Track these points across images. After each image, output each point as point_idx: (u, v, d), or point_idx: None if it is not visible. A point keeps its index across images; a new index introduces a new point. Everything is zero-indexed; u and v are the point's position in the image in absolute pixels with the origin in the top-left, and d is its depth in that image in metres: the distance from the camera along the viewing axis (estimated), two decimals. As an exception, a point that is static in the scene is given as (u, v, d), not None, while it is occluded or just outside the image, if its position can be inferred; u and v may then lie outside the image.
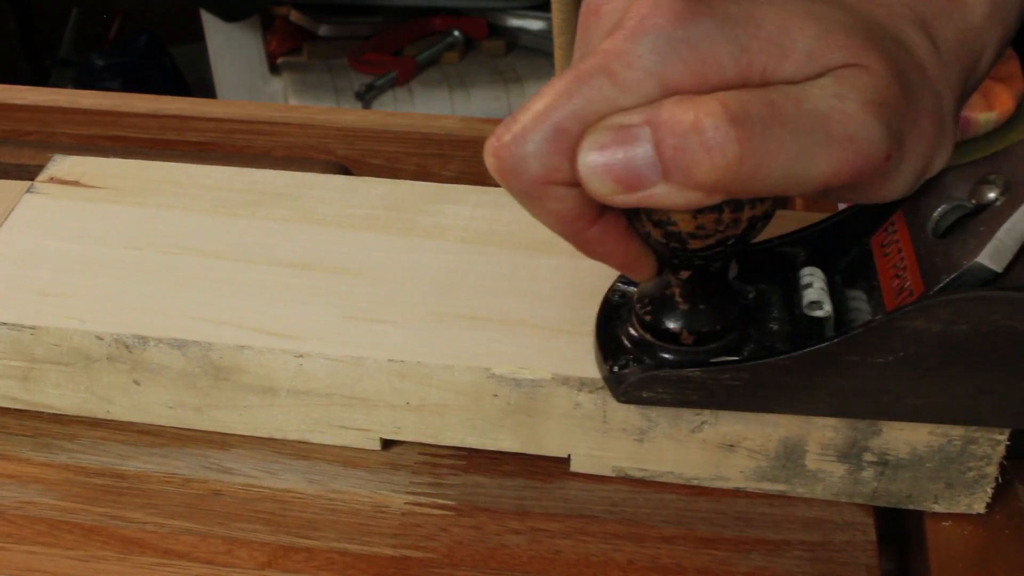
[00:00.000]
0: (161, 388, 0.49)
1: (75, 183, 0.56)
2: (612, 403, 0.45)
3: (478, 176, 0.66)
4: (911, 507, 0.47)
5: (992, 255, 0.40)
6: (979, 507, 0.46)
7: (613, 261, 0.42)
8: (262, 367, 0.47)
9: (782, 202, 0.41)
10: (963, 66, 0.41)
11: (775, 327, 0.45)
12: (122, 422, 0.51)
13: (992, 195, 0.41)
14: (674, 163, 0.35)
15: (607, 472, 0.48)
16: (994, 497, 0.46)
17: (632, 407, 0.45)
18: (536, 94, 0.37)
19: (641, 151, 0.36)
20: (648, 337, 0.45)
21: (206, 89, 1.86)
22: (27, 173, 0.59)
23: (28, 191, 0.55)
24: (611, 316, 0.47)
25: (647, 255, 0.42)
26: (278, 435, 0.49)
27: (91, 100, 0.71)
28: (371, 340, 0.47)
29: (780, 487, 0.47)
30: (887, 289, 0.44)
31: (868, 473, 0.46)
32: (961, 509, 0.46)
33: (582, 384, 0.45)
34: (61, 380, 0.49)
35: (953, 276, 0.41)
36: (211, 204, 0.55)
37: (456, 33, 1.82)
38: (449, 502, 0.47)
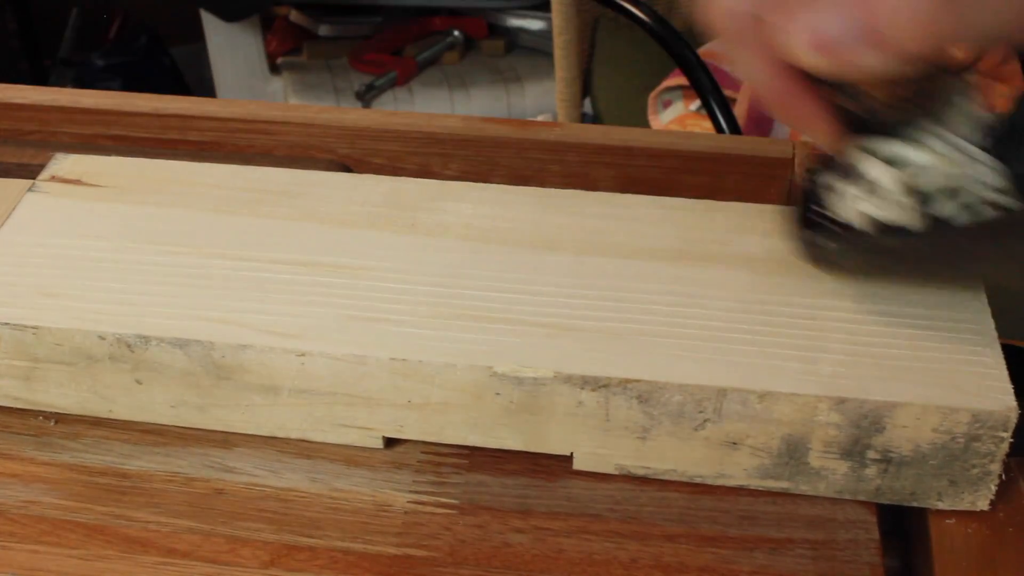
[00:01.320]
0: (163, 387, 0.48)
1: (77, 182, 0.56)
2: (615, 401, 0.45)
3: (480, 175, 0.66)
4: (915, 504, 0.47)
5: None
6: (983, 504, 0.46)
7: (802, 120, 0.42)
8: (264, 366, 0.47)
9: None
10: None
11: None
12: (124, 421, 0.50)
13: None
14: (869, 23, 0.37)
15: (610, 470, 0.48)
16: (998, 494, 0.46)
17: (635, 404, 0.45)
18: None
19: (842, 18, 0.37)
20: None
21: (206, 89, 1.86)
22: (29, 172, 0.59)
23: (30, 190, 0.55)
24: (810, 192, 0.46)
25: (835, 122, 0.43)
26: (280, 434, 0.49)
27: (92, 99, 0.71)
28: (373, 339, 0.47)
29: (783, 485, 0.47)
30: None
31: (871, 470, 0.46)
32: (965, 506, 0.46)
33: (584, 382, 0.45)
34: (63, 380, 0.49)
35: None
36: (213, 203, 0.55)
37: (456, 33, 1.83)
38: (452, 501, 0.47)
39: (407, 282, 0.50)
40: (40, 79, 1.95)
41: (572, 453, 0.48)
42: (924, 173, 0.42)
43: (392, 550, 0.46)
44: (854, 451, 0.45)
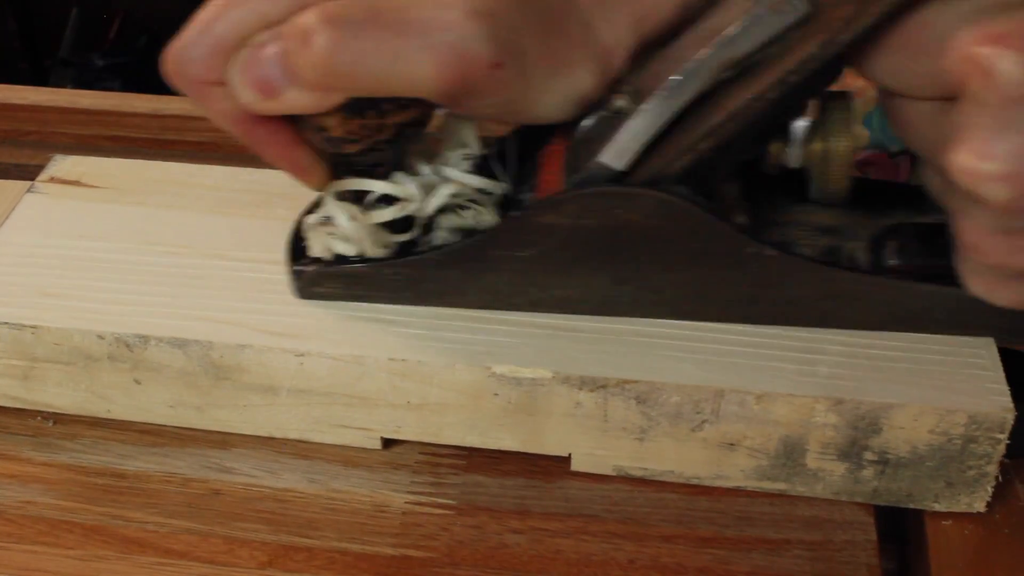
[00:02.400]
0: (162, 387, 0.49)
1: (75, 183, 0.56)
2: (613, 402, 0.45)
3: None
4: (911, 506, 0.47)
5: (613, 155, 0.44)
6: (979, 506, 0.46)
7: (285, 166, 0.46)
8: (263, 366, 0.47)
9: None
10: (632, 6, 0.44)
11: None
12: (123, 421, 0.51)
13: (621, 103, 0.44)
14: (285, 62, 0.40)
15: (608, 471, 0.48)
16: (994, 496, 0.46)
17: (633, 405, 0.45)
18: (207, 3, 0.43)
19: (269, 57, 0.41)
20: None
21: (206, 89, 1.86)
22: (27, 173, 0.59)
23: (29, 191, 0.56)
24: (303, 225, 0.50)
25: (316, 163, 0.46)
26: (279, 434, 0.49)
27: (91, 100, 0.71)
28: (372, 339, 0.47)
29: (781, 486, 0.47)
30: (541, 192, 0.47)
31: (868, 472, 0.46)
32: (961, 508, 0.46)
33: (583, 383, 0.45)
34: (62, 379, 0.49)
35: (578, 175, 0.45)
36: (211, 203, 0.55)
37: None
38: (450, 501, 0.48)
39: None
40: (40, 79, 1.95)
41: (570, 454, 0.48)
42: (391, 209, 0.47)
43: (390, 550, 0.46)
44: (851, 452, 0.45)
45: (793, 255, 0.46)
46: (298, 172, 0.46)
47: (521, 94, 0.43)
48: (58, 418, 0.51)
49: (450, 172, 0.47)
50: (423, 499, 0.48)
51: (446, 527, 0.46)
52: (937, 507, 0.46)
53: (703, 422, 0.45)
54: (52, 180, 0.56)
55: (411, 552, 0.45)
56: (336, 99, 0.41)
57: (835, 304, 0.46)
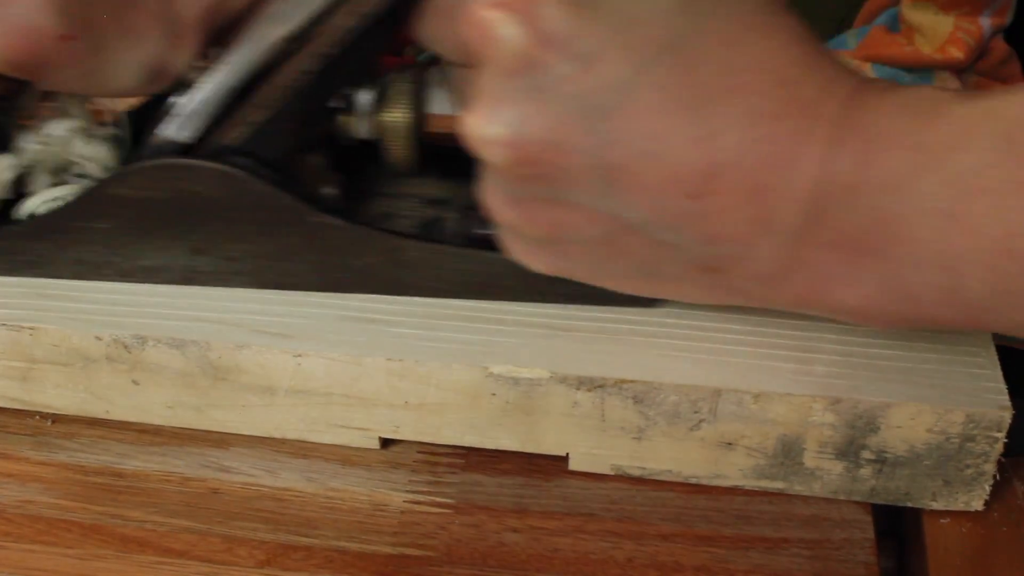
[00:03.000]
0: (160, 388, 0.49)
1: (74, 183, 0.56)
2: (610, 401, 0.45)
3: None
4: (909, 504, 0.47)
5: (175, 127, 0.46)
6: (977, 504, 0.46)
7: None
8: (261, 366, 0.47)
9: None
10: None
11: None
12: (121, 421, 0.51)
13: (193, 76, 0.47)
14: None
15: (606, 470, 0.48)
16: (992, 494, 0.46)
17: (630, 405, 0.45)
18: None
19: None
20: None
21: (206, 89, 1.86)
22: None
23: (27, 191, 0.56)
24: None
25: None
26: (277, 434, 0.49)
27: (90, 100, 0.71)
28: (369, 339, 0.47)
29: (778, 485, 0.47)
30: None
31: (866, 470, 0.46)
32: (959, 506, 0.46)
33: (580, 383, 0.45)
34: (60, 380, 0.49)
35: (144, 148, 0.47)
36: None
37: (456, 33, 1.82)
38: (448, 500, 0.48)
39: (403, 282, 0.50)
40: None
41: (568, 453, 0.48)
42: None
43: (388, 549, 0.46)
44: (849, 451, 0.45)
45: (355, 224, 0.47)
46: None
47: (97, 67, 0.45)
48: (57, 417, 0.51)
49: (25, 143, 0.49)
50: (421, 498, 0.48)
51: (444, 526, 0.47)
52: (935, 505, 0.46)
53: (701, 421, 0.46)
54: (51, 180, 0.56)
55: (409, 551, 0.46)
56: None
57: (407, 273, 0.48)
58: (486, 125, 0.36)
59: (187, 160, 0.46)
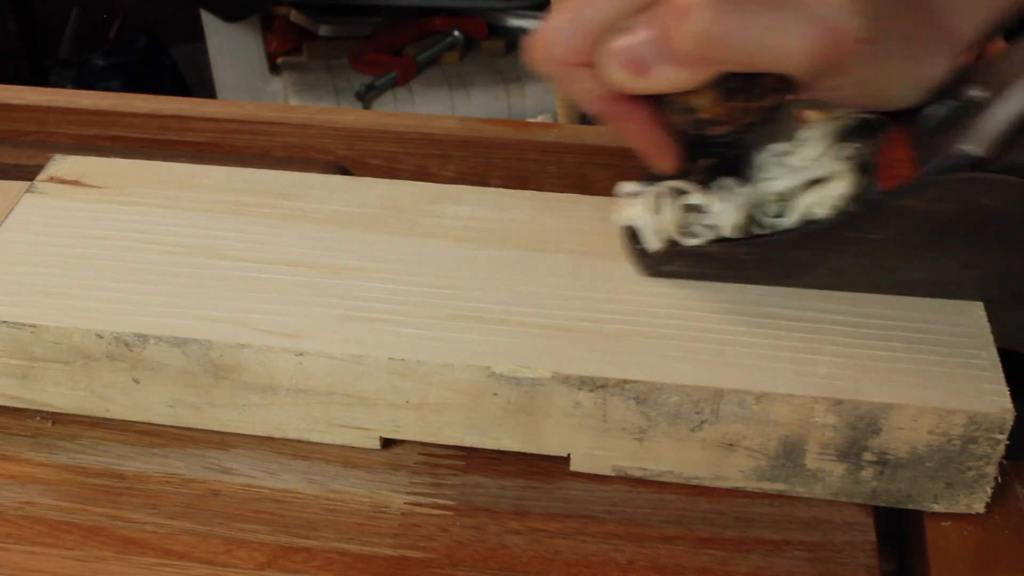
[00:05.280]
0: (161, 386, 0.49)
1: (75, 183, 0.56)
2: (612, 402, 0.45)
3: (477, 176, 0.66)
4: (911, 507, 0.47)
5: (974, 142, 0.45)
6: (978, 507, 0.46)
7: (640, 144, 0.47)
8: (262, 365, 0.47)
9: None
10: None
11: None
12: (122, 421, 0.50)
13: (975, 92, 0.45)
14: (661, 38, 0.41)
15: (607, 472, 0.48)
16: (993, 497, 0.46)
17: (632, 405, 0.45)
18: None
19: (641, 36, 0.42)
20: None
21: (206, 89, 1.86)
22: (27, 173, 0.59)
23: (28, 191, 0.55)
24: None
25: (673, 145, 0.47)
26: (278, 434, 0.49)
27: (91, 100, 0.71)
28: (371, 338, 0.47)
29: (780, 487, 0.47)
30: (885, 179, 0.47)
31: (868, 473, 0.46)
32: (960, 509, 0.46)
33: (582, 383, 0.45)
34: (61, 379, 0.49)
35: (939, 160, 0.45)
36: (211, 204, 0.55)
37: (456, 33, 1.82)
38: (449, 502, 0.47)
39: (405, 283, 0.50)
40: (40, 79, 1.95)
41: (569, 454, 0.48)
42: (749, 193, 0.48)
43: (389, 551, 0.46)
44: (850, 453, 0.45)
45: None
46: (652, 152, 0.47)
47: (877, 76, 0.44)
48: (57, 418, 0.51)
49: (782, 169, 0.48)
50: (422, 500, 0.48)
51: (445, 528, 0.46)
52: (936, 508, 0.46)
53: (702, 422, 0.45)
54: (52, 180, 0.56)
55: (410, 553, 0.45)
56: (704, 76, 0.42)
57: None
58: None
59: (991, 175, 0.45)
